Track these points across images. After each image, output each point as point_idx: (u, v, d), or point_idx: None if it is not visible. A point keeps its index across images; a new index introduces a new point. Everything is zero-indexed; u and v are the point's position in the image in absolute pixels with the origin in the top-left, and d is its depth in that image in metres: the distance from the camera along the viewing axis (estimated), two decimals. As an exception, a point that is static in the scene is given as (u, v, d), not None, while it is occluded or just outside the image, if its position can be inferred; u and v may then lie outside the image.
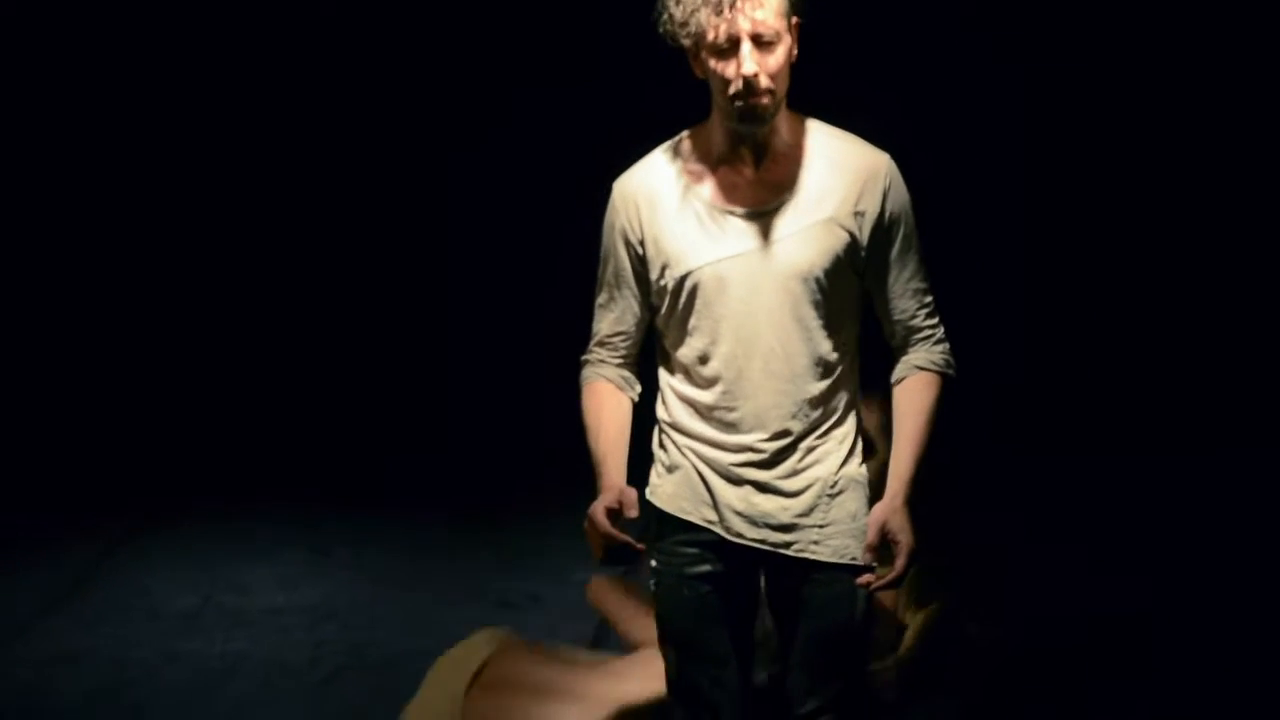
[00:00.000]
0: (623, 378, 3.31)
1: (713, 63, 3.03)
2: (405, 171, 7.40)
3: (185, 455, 6.79)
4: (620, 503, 3.13)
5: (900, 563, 3.12)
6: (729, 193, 3.15)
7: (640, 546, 3.16)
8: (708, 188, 3.16)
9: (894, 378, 3.26)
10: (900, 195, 3.19)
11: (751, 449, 3.19)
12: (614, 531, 3.11)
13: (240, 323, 7.47)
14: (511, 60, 7.09)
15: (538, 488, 6.35)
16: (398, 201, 7.45)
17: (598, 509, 3.13)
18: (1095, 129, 6.85)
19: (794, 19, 3.05)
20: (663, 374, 3.30)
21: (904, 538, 3.12)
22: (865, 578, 3.16)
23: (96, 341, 7.35)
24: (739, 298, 3.14)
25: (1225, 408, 6.56)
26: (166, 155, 7.43)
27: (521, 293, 7.23)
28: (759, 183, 3.14)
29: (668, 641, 3.33)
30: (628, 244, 3.22)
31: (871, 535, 3.14)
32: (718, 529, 3.23)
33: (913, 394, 3.22)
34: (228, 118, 7.36)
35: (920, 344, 3.24)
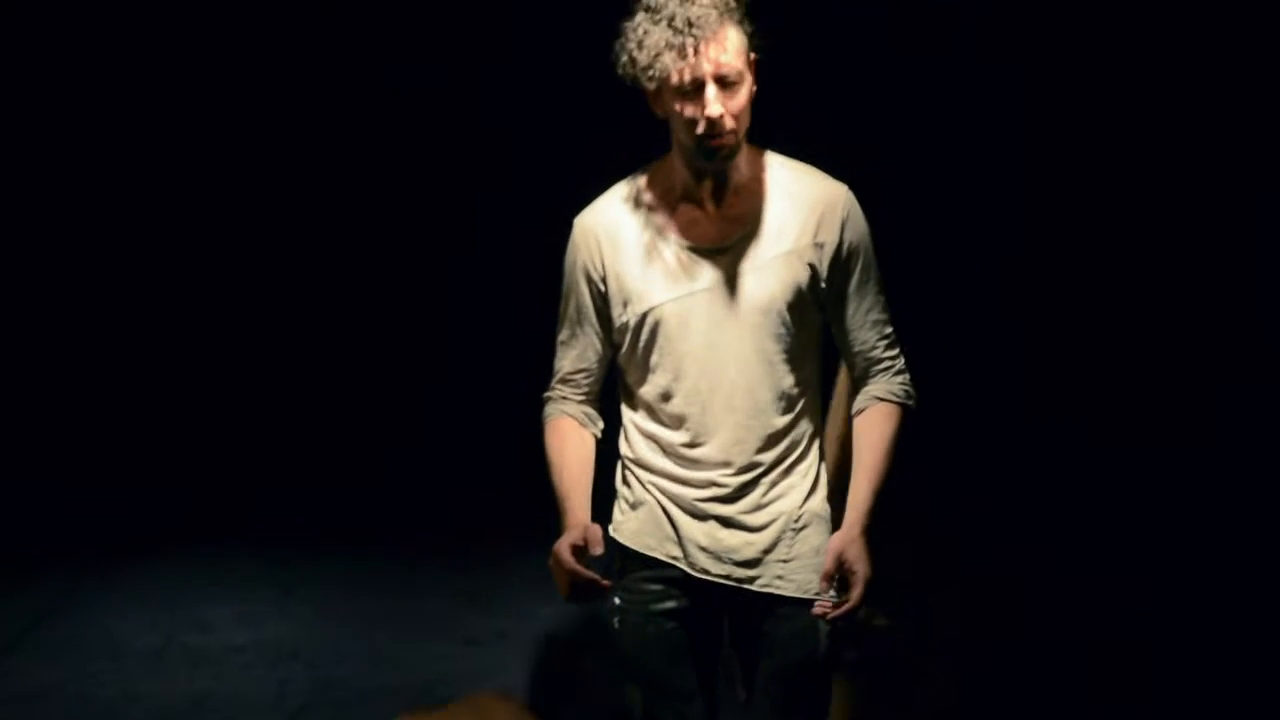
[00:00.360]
0: (585, 414, 3.31)
1: (677, 105, 3.04)
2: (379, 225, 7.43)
3: (146, 492, 6.75)
4: (585, 539, 3.11)
5: (856, 593, 3.10)
6: (690, 229, 3.16)
7: (606, 583, 3.14)
8: (669, 224, 3.17)
9: (854, 409, 3.26)
10: (859, 226, 3.20)
11: (715, 484, 3.20)
12: (579, 568, 3.09)
13: (206, 361, 7.44)
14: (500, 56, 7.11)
15: (503, 524, 6.32)
16: (381, 242, 7.45)
17: (562, 546, 3.12)
18: (1089, 129, 6.89)
19: (752, 56, 3.07)
20: (625, 410, 3.30)
21: (860, 567, 3.10)
22: (821, 607, 3.14)
23: (59, 376, 7.31)
24: (701, 333, 3.15)
25: (1217, 403, 6.62)
26: (136, 180, 7.40)
27: (485, 330, 7.23)
28: (720, 219, 3.15)
29: (632, 680, 3.32)
30: (589, 280, 3.22)
31: (829, 564, 3.12)
32: (682, 565, 3.23)
33: (872, 425, 3.22)
34: (210, 121, 7.35)
35: (880, 375, 3.25)
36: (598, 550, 3.11)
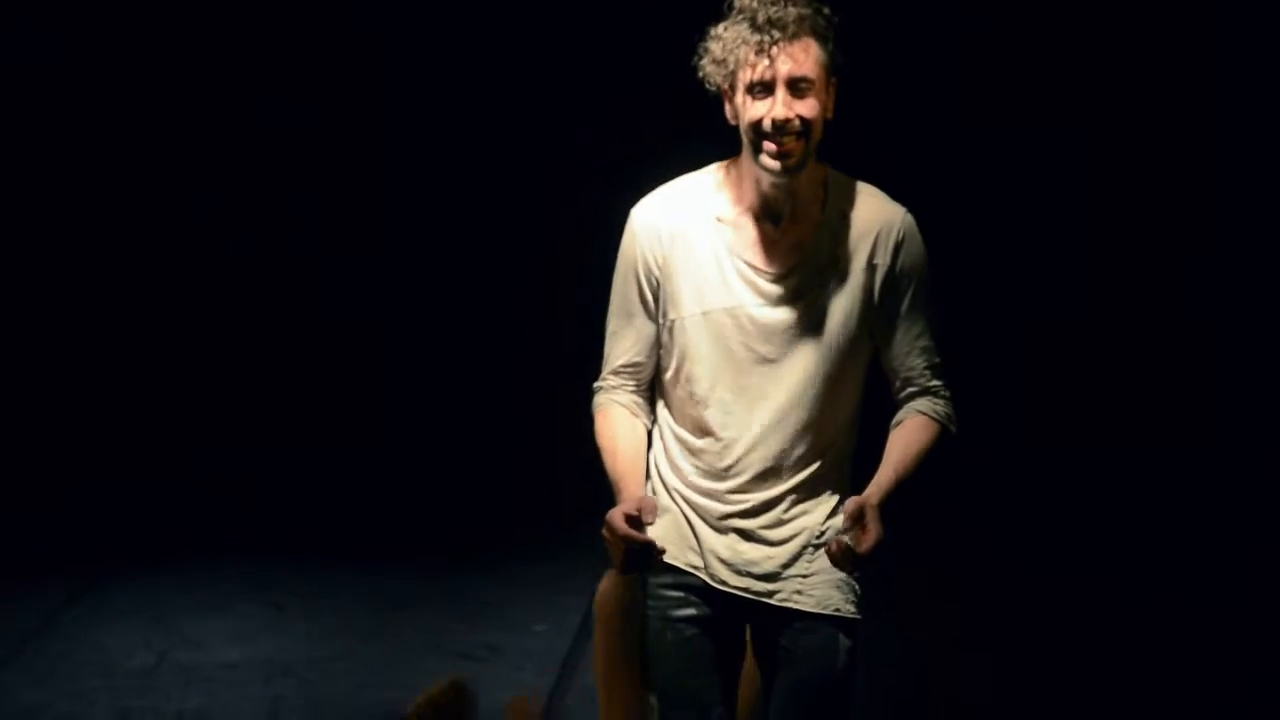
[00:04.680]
0: (636, 404, 3.29)
1: (748, 102, 3.05)
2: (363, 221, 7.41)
3: (137, 510, 6.74)
4: (640, 509, 3.07)
5: (867, 546, 3.02)
6: (749, 247, 3.16)
7: (662, 549, 3.11)
8: (730, 235, 3.17)
9: (893, 421, 3.26)
10: (915, 251, 3.20)
11: (739, 498, 3.20)
12: (634, 533, 3.05)
13: (188, 376, 7.43)
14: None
15: (493, 538, 6.34)
16: (355, 256, 7.44)
17: (616, 515, 3.07)
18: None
19: (833, 79, 3.09)
20: (661, 410, 3.30)
21: (875, 527, 3.03)
22: (835, 543, 3.05)
23: (49, 395, 7.30)
24: (746, 347, 3.16)
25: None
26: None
27: (477, 342, 7.24)
28: (780, 243, 3.16)
29: (652, 687, 3.32)
30: (648, 273, 3.21)
31: (851, 506, 3.05)
32: (701, 574, 3.23)
33: (908, 428, 3.22)
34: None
35: (923, 397, 3.24)
36: (650, 518, 3.07)
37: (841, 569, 3.10)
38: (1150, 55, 6.88)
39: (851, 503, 3.07)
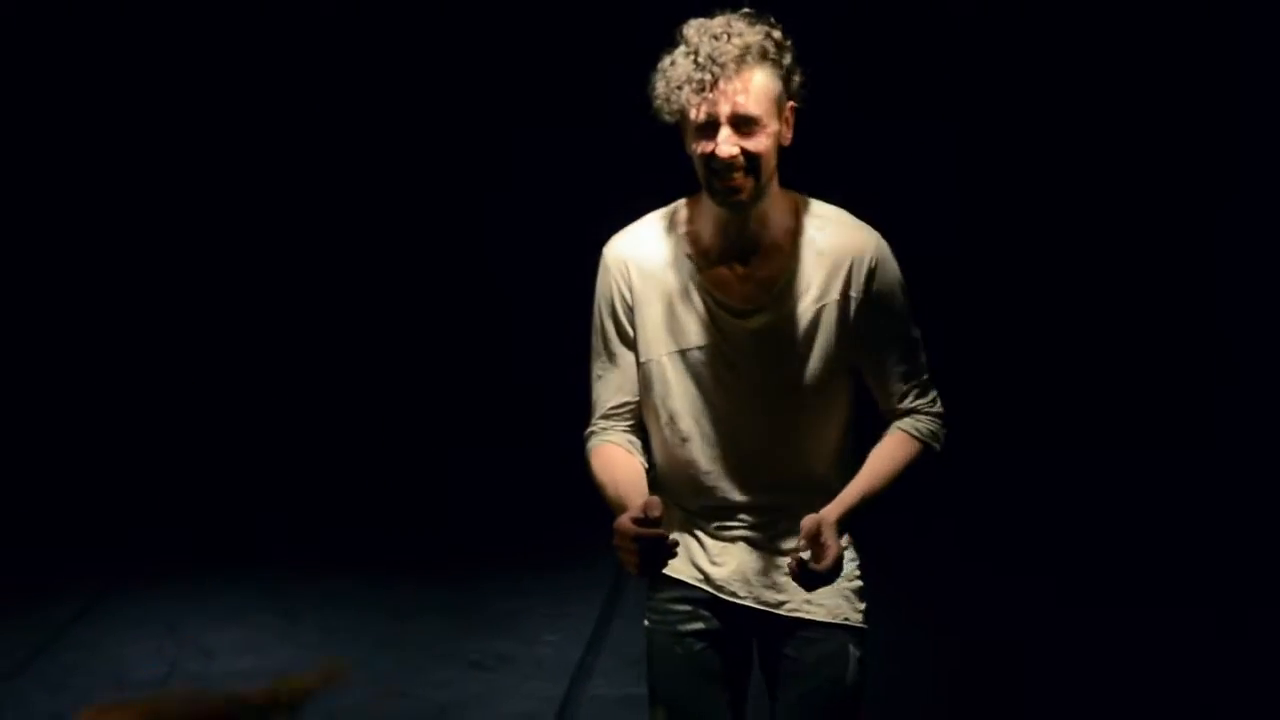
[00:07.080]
0: (630, 441, 3.23)
1: (694, 141, 3.01)
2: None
3: (151, 519, 6.74)
4: (645, 509, 2.97)
5: (824, 564, 2.98)
6: (720, 286, 3.12)
7: (676, 541, 3.02)
8: (700, 272, 3.13)
9: (880, 439, 3.22)
10: (888, 276, 3.15)
11: (738, 519, 3.19)
12: (646, 531, 2.95)
13: (206, 389, 7.44)
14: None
15: (508, 549, 6.32)
16: (385, 259, 7.46)
17: (624, 519, 2.98)
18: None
19: (790, 104, 3.03)
20: (650, 443, 3.26)
21: (833, 545, 3.00)
22: (793, 560, 3.02)
23: (61, 406, 7.31)
24: (721, 383, 3.13)
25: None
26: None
27: (492, 352, 7.25)
28: (749, 280, 3.12)
29: (658, 702, 3.28)
30: (626, 308, 3.17)
31: (809, 523, 3.00)
32: (707, 587, 3.21)
33: (886, 446, 3.18)
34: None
35: (907, 417, 3.20)
36: (657, 513, 2.97)
37: (800, 585, 3.06)
38: (1156, 48, 6.89)
39: (808, 520, 3.02)
